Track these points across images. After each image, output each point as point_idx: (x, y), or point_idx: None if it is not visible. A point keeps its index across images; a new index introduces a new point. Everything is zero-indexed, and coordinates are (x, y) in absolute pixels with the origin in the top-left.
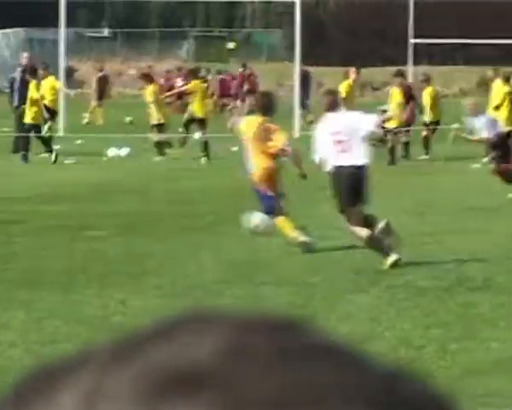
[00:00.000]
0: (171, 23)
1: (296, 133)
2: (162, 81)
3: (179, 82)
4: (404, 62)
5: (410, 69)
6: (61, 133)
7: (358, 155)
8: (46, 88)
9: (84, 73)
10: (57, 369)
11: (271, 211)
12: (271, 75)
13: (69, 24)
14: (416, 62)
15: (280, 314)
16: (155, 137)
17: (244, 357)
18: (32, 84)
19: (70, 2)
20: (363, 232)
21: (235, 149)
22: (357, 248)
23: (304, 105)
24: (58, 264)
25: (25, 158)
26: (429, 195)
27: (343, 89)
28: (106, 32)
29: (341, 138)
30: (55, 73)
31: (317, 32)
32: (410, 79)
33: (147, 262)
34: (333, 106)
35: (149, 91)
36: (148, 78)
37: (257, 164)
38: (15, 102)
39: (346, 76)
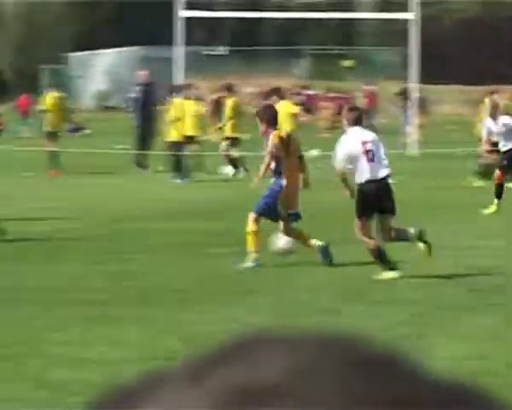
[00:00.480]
0: (288, 40)
1: (413, 151)
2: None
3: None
4: None
5: None
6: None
7: (384, 166)
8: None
9: (202, 91)
10: (135, 389)
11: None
12: (388, 93)
13: (186, 42)
14: None
15: (348, 334)
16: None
17: (311, 375)
18: (175, 102)
19: (187, 21)
20: (371, 242)
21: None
22: (472, 265)
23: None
24: (174, 281)
25: (182, 177)
26: None
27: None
28: (222, 49)
29: (370, 148)
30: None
31: (433, 49)
32: None
33: (263, 280)
34: (357, 121)
35: (230, 104)
36: (230, 90)
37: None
38: (137, 121)
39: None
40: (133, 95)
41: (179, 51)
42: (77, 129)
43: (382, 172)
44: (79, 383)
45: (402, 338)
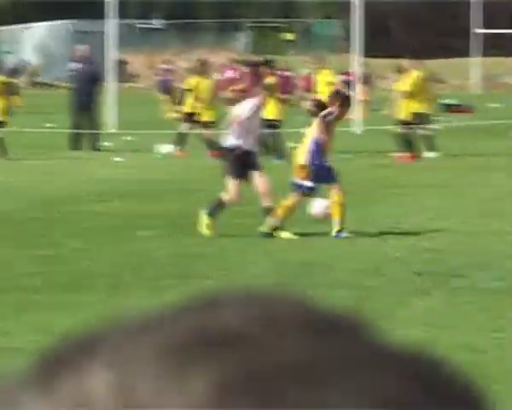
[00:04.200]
0: (226, 14)
1: (357, 128)
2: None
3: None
4: (469, 53)
5: (474, 60)
6: (112, 129)
7: None
8: None
9: (136, 66)
10: (84, 342)
11: None
12: (330, 67)
13: (119, 15)
14: (482, 54)
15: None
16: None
17: (275, 325)
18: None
19: None
20: None
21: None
22: (421, 248)
23: None
24: (105, 266)
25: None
26: (494, 193)
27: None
28: (158, 23)
29: None
30: (105, 67)
31: (377, 23)
32: (477, 70)
33: (196, 264)
34: None
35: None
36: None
37: None
38: (74, 98)
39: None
40: (71, 70)
41: (112, 25)
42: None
43: None
44: None
45: None
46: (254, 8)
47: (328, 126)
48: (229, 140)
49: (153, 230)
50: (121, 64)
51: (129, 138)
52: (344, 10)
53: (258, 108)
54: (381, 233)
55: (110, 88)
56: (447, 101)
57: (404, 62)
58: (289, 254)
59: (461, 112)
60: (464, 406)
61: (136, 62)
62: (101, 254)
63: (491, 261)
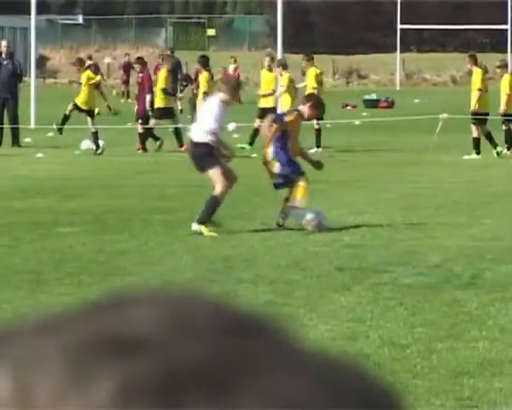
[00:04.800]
0: (148, 9)
1: None
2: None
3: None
4: (392, 49)
5: (398, 56)
6: (32, 125)
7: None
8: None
9: (58, 62)
10: None
11: None
12: (253, 63)
13: (41, 11)
14: (405, 49)
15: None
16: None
17: (184, 326)
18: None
19: None
20: None
21: None
22: (342, 243)
23: None
24: (27, 262)
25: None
26: (414, 188)
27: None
28: (80, 19)
29: None
30: (26, 63)
31: (300, 18)
32: (398, 66)
33: (120, 260)
34: None
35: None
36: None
37: None
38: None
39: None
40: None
41: (34, 20)
42: None
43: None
44: None
45: None
46: (177, 4)
47: (290, 124)
48: (199, 135)
49: (75, 226)
50: (43, 60)
51: (50, 134)
52: (269, 6)
53: (224, 102)
54: (303, 228)
55: (31, 83)
56: (366, 96)
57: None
58: (212, 250)
59: (381, 107)
60: (374, 407)
61: (58, 58)
62: (24, 251)
63: (412, 257)
